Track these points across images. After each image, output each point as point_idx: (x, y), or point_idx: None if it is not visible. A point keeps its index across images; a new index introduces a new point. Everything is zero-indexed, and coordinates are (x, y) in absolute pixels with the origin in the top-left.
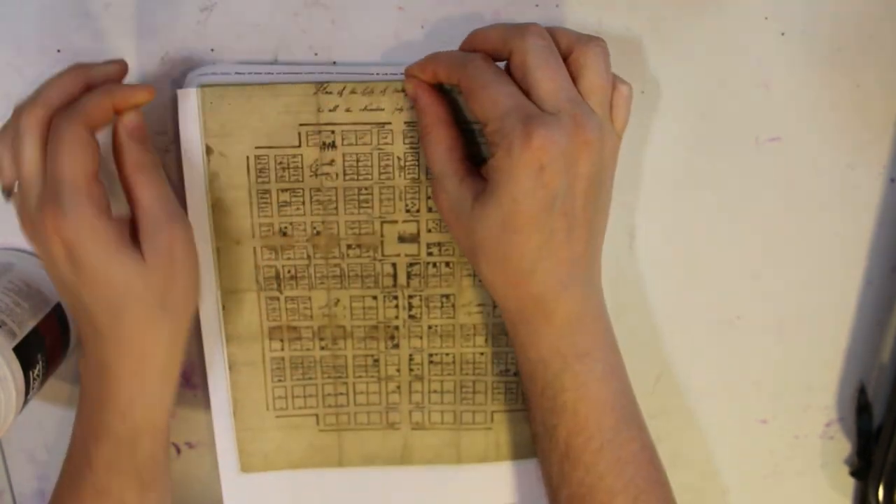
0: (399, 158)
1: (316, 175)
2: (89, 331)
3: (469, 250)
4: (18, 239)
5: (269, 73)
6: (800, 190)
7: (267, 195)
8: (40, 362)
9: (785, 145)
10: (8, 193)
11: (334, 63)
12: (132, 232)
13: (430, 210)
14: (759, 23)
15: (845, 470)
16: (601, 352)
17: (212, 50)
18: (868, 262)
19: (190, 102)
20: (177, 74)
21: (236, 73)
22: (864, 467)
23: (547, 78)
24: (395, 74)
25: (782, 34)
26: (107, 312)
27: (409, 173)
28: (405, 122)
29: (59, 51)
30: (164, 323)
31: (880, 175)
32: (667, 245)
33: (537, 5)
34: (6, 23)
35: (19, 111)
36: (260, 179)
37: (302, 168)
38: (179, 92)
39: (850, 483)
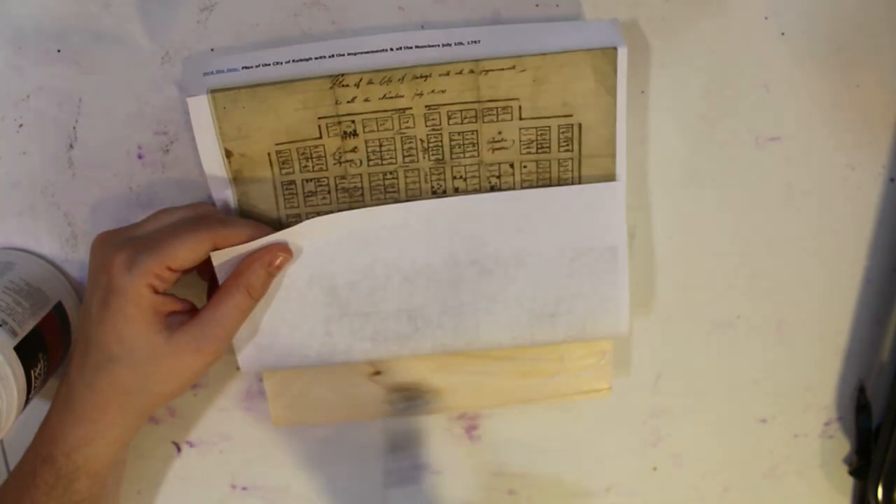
0: (422, 141)
1: (340, 163)
2: (77, 358)
3: None
4: (18, 239)
5: (277, 63)
6: (800, 190)
7: (292, 186)
8: (42, 361)
9: (785, 145)
10: None
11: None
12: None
13: (456, 191)
14: (759, 23)
15: (844, 469)
16: None
17: (212, 50)
18: (868, 261)
19: (202, 110)
20: (177, 74)
21: (243, 66)
22: (864, 466)
23: None
24: (410, 48)
25: (782, 34)
26: (101, 353)
27: (433, 155)
28: (426, 106)
29: (59, 51)
30: (139, 396)
31: (880, 175)
32: (667, 245)
33: (537, 5)
34: (6, 23)
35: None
36: (284, 171)
37: (325, 157)
38: (189, 101)
39: (849, 482)
